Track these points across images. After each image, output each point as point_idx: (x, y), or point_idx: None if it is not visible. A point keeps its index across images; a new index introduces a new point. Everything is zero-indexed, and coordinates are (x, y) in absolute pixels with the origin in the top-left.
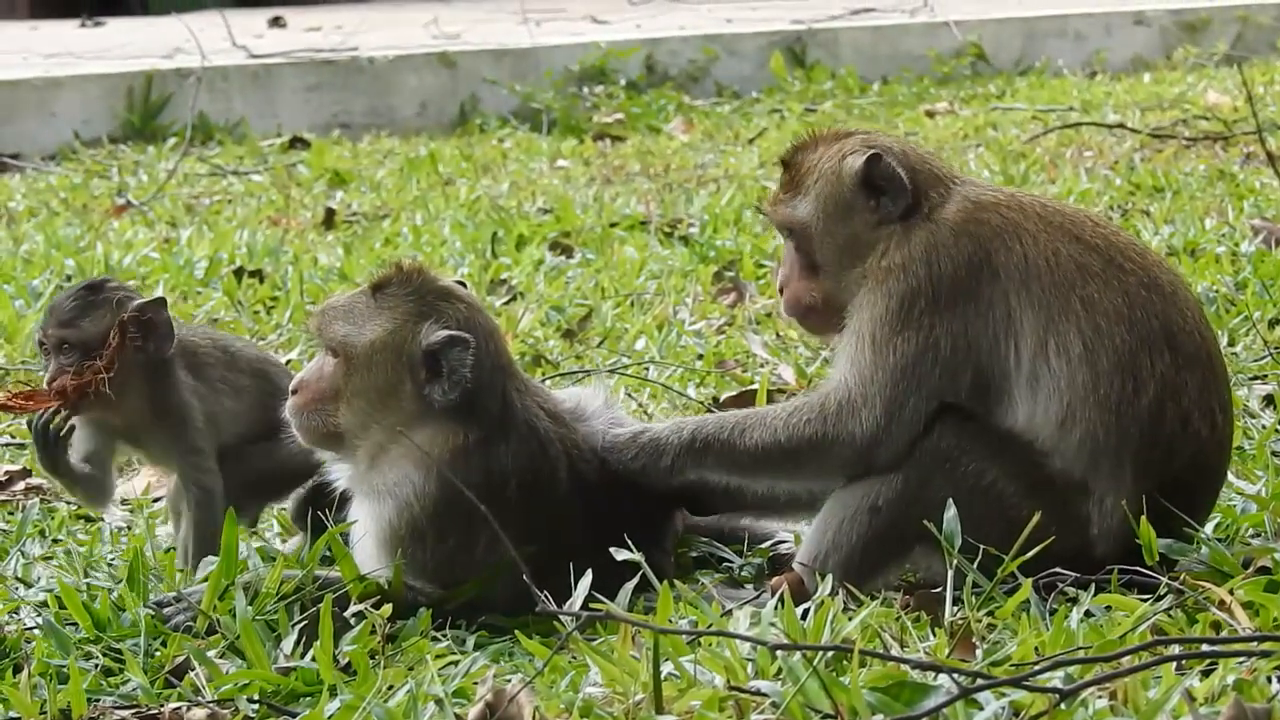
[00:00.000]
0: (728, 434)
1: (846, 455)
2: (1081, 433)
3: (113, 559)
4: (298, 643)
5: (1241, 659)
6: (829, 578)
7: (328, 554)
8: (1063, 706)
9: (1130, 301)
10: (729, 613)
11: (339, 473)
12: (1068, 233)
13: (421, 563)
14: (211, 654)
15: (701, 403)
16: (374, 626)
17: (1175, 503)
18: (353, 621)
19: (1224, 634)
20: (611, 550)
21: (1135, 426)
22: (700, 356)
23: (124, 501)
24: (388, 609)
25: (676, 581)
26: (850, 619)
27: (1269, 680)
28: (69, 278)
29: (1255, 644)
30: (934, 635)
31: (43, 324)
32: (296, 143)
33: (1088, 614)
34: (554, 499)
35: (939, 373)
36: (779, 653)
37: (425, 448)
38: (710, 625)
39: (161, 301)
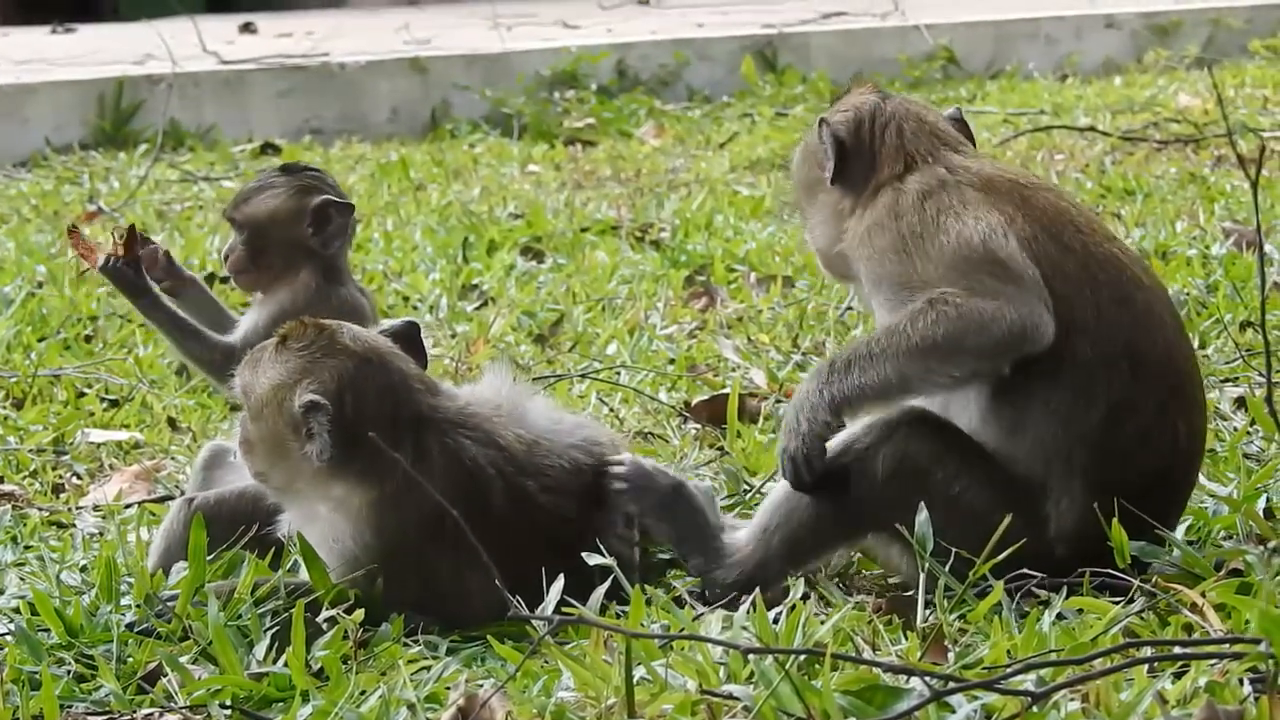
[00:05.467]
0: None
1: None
2: (1031, 439)
3: (85, 565)
4: (270, 648)
5: (1214, 661)
6: (800, 582)
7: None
8: (1035, 709)
9: (1099, 314)
10: (701, 616)
11: (284, 521)
12: (1046, 226)
13: (389, 606)
14: (184, 660)
15: (673, 407)
16: (346, 632)
17: (1140, 507)
18: (325, 627)
19: (1196, 636)
20: (584, 555)
21: (1084, 440)
22: (672, 361)
23: (96, 508)
24: (359, 614)
25: (647, 586)
26: (823, 623)
27: (1241, 682)
28: (40, 284)
29: (1227, 646)
30: (906, 639)
31: None
32: (268, 148)
33: (1059, 617)
34: (493, 523)
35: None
36: (751, 656)
37: (343, 501)
38: (682, 629)
39: (348, 207)
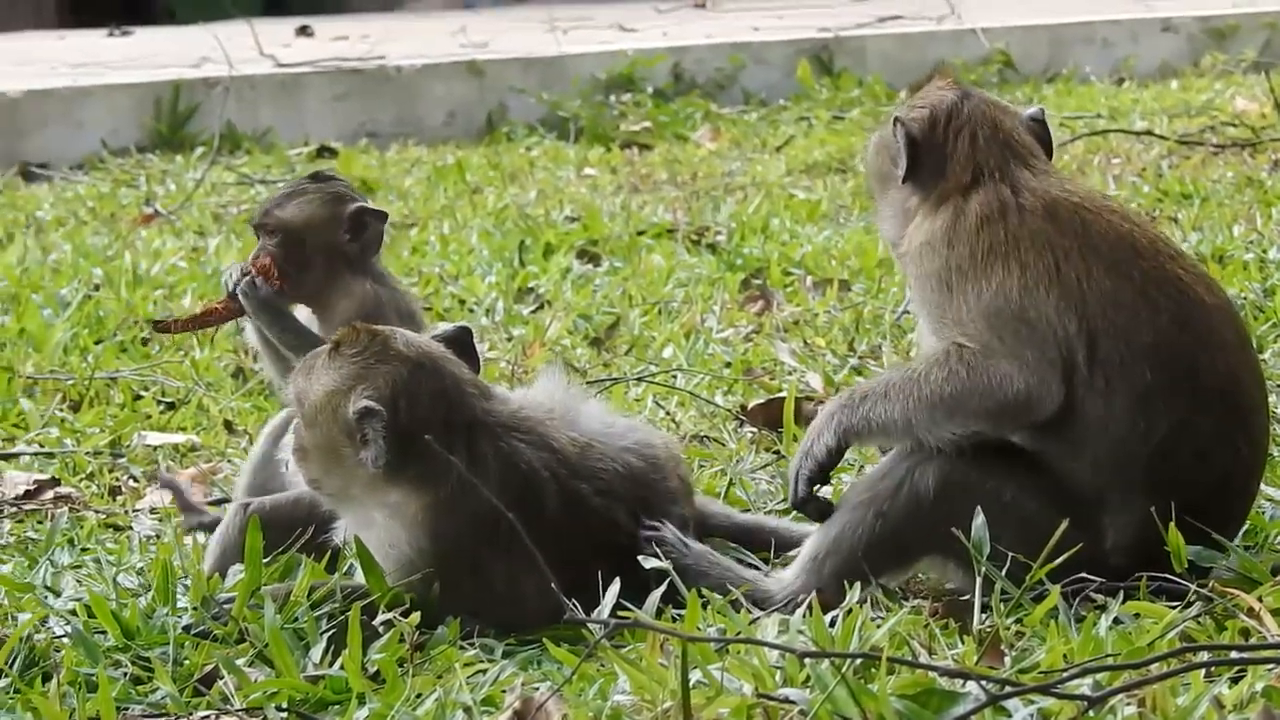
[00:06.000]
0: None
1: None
2: (1090, 458)
3: (141, 567)
4: (326, 651)
5: (1270, 666)
6: (857, 586)
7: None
8: (1091, 714)
9: (1157, 340)
10: (757, 620)
11: (340, 527)
12: (1103, 257)
13: (445, 610)
14: (240, 662)
15: (729, 410)
16: (402, 635)
17: (1199, 519)
18: (381, 630)
19: (1253, 641)
20: (640, 559)
21: (1142, 461)
22: (728, 364)
23: (152, 510)
24: (415, 617)
25: (704, 588)
26: (879, 627)
27: None
28: (96, 287)
29: None
30: (962, 643)
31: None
32: (324, 151)
33: (1116, 621)
34: (548, 526)
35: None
36: (807, 660)
37: (399, 507)
38: (739, 633)
39: (382, 215)
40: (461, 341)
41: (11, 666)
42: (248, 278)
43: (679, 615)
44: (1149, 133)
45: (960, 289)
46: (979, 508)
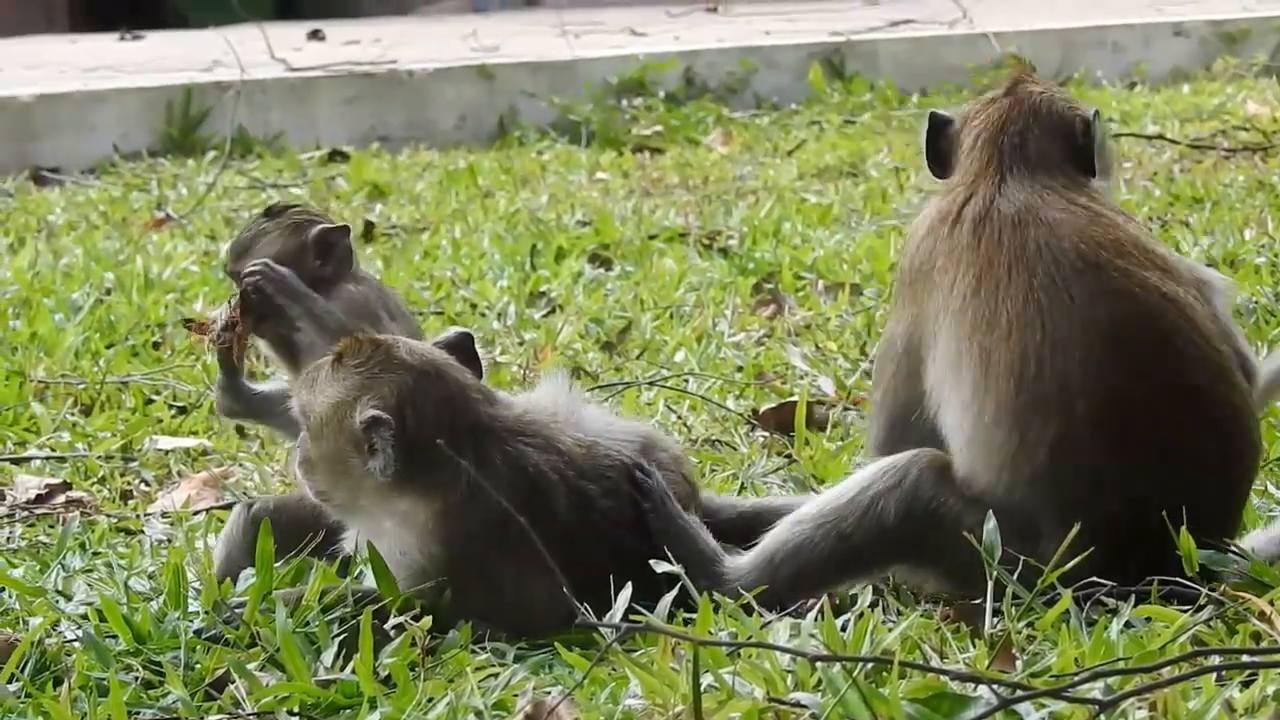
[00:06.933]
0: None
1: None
2: (982, 485)
3: (153, 572)
4: (338, 655)
5: None
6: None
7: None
8: (1103, 717)
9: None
10: (768, 624)
11: (349, 537)
12: (992, 262)
13: (457, 616)
14: (251, 666)
15: (741, 414)
16: (414, 639)
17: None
18: (393, 634)
19: (1264, 645)
20: (651, 563)
21: (1031, 485)
22: (740, 368)
23: (164, 514)
24: (427, 621)
25: (714, 592)
26: (890, 630)
27: None
28: (108, 291)
29: None
30: (974, 646)
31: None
32: (335, 155)
33: (1127, 625)
34: (558, 529)
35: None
36: (819, 664)
37: (408, 515)
38: (750, 637)
39: (345, 230)
40: (463, 347)
41: (23, 671)
42: (256, 276)
43: (690, 619)
44: (1161, 137)
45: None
46: (938, 536)
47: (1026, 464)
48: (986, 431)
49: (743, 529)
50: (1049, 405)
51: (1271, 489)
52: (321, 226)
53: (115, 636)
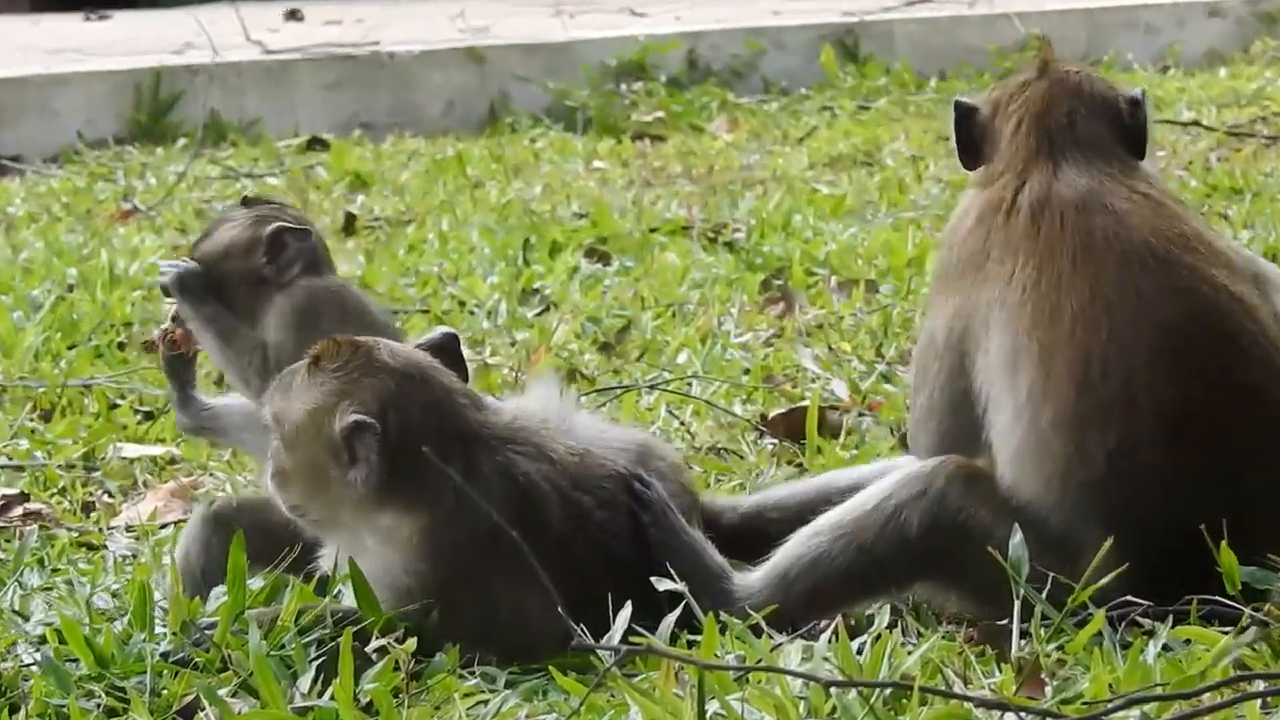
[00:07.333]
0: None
1: None
2: (1028, 495)
3: (117, 589)
4: (315, 680)
5: None
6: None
7: None
8: None
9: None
10: (779, 646)
11: (326, 554)
12: (1054, 253)
13: (445, 638)
14: (222, 692)
15: (748, 420)
16: (397, 663)
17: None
18: (375, 657)
19: None
20: (653, 581)
21: (1082, 496)
22: (747, 371)
23: (128, 528)
24: (412, 644)
25: (721, 612)
26: (910, 653)
27: None
28: (71, 288)
29: None
30: (1000, 671)
31: None
32: (315, 143)
33: (1165, 648)
34: (552, 542)
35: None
36: (833, 690)
37: (392, 531)
38: (759, 660)
39: (305, 233)
40: (448, 349)
41: None
42: (175, 270)
43: (695, 640)
44: (1196, 123)
45: (930, 301)
46: (966, 549)
47: (1081, 472)
48: (1042, 437)
49: (745, 531)
50: (1111, 411)
51: None
52: (278, 224)
53: (76, 660)
